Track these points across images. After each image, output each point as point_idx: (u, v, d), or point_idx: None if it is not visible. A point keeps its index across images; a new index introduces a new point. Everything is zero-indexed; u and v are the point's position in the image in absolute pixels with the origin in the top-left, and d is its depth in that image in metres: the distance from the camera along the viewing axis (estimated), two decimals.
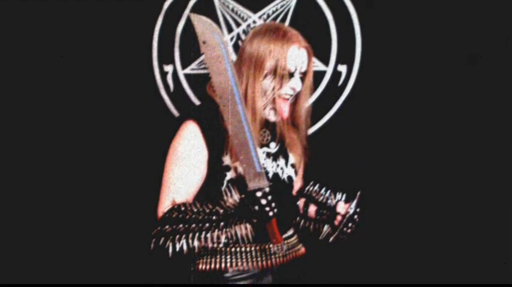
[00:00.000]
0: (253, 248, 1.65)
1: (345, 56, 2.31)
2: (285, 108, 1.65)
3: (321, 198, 1.87)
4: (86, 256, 2.36)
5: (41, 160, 2.35)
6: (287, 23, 2.29)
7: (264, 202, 1.45)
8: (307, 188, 1.93)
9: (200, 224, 1.50)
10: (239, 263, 1.63)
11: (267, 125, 1.70)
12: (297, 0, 2.30)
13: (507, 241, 2.29)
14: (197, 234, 1.49)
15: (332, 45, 2.31)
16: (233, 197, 1.52)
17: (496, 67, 2.27)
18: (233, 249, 1.64)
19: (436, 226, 2.32)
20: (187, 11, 2.31)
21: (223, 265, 1.63)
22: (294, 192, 1.93)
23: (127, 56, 2.32)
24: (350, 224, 1.73)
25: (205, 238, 1.49)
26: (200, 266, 1.64)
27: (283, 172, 1.73)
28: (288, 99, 1.65)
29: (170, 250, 1.49)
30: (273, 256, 1.67)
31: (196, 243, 1.49)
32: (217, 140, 1.59)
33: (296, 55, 1.60)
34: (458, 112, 2.30)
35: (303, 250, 1.82)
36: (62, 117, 2.35)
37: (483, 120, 2.29)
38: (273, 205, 1.46)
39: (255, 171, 1.47)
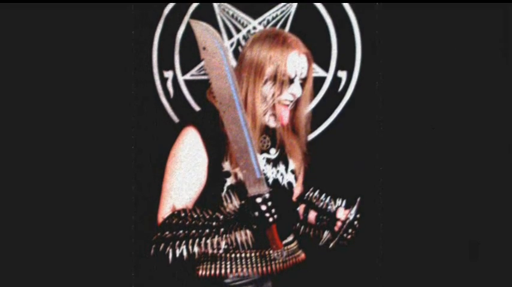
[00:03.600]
0: (253, 254, 1.64)
1: (345, 62, 2.32)
2: (285, 114, 1.65)
3: (321, 204, 1.87)
4: (86, 262, 2.35)
5: (41, 165, 2.34)
6: (287, 29, 2.30)
7: (264, 208, 1.45)
8: (307, 194, 1.93)
9: (200, 230, 1.50)
10: (239, 269, 1.63)
11: (267, 131, 1.70)
12: (297, 6, 2.30)
13: (507, 245, 2.29)
14: (197, 240, 1.49)
15: (332, 51, 2.31)
16: (233, 203, 1.52)
17: (497, 77, 2.28)
18: (233, 255, 1.63)
19: (436, 231, 2.31)
20: (187, 17, 2.31)
21: (223, 271, 1.62)
22: (294, 198, 1.93)
23: (127, 62, 2.32)
24: (350, 230, 1.73)
25: (205, 244, 1.49)
26: (200, 272, 1.64)
27: (283, 178, 1.73)
28: (288, 105, 1.65)
29: (170, 256, 1.49)
30: (272, 262, 1.66)
31: (196, 249, 1.49)
32: (217, 146, 1.59)
33: (296, 61, 1.60)
34: (460, 115, 2.30)
35: (303, 256, 1.82)
36: (60, 123, 2.34)
37: (486, 126, 2.29)
38: (273, 211, 1.46)
39: (255, 177, 1.47)
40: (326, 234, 1.82)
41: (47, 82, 2.34)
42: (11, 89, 2.34)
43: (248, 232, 1.49)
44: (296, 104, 1.70)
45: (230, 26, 2.33)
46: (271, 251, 1.59)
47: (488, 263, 2.29)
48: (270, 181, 1.69)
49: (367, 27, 2.29)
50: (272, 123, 1.66)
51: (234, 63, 2.13)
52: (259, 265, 1.64)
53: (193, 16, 2.30)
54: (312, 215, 1.88)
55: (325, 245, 1.80)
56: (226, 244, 1.52)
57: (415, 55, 2.29)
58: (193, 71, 2.34)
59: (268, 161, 1.71)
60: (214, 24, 2.29)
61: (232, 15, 2.32)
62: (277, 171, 1.72)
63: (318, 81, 2.30)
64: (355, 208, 1.73)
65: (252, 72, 1.59)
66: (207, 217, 1.51)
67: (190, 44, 2.21)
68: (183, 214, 1.52)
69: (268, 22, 2.32)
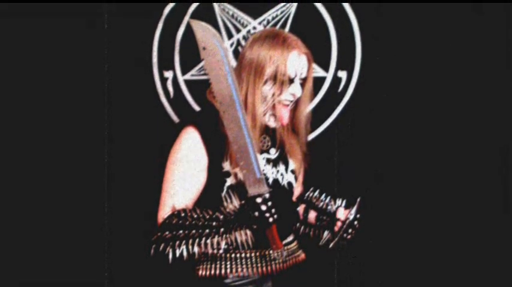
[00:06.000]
0: (253, 254, 1.64)
1: (345, 62, 2.31)
2: (285, 115, 1.65)
3: (321, 204, 1.87)
4: (87, 261, 2.35)
5: (41, 166, 2.34)
6: (287, 29, 2.30)
7: (264, 208, 1.45)
8: (307, 194, 1.93)
9: (200, 230, 1.50)
10: (239, 269, 1.63)
11: (267, 131, 1.70)
12: (297, 6, 2.30)
13: (507, 248, 2.29)
14: (197, 240, 1.49)
15: (332, 51, 2.31)
16: (233, 203, 1.52)
17: (495, 83, 2.28)
18: (233, 255, 1.63)
19: (436, 231, 2.31)
20: (187, 17, 2.31)
21: (223, 271, 1.62)
22: (294, 198, 1.93)
23: (127, 62, 2.32)
24: (350, 230, 1.73)
25: (205, 244, 1.49)
26: (200, 272, 1.64)
27: (283, 178, 1.73)
28: (288, 105, 1.65)
29: (170, 256, 1.49)
30: (273, 262, 1.66)
31: (196, 249, 1.49)
32: (217, 146, 1.59)
33: (296, 61, 1.60)
34: (459, 116, 2.30)
35: (303, 256, 1.82)
36: (61, 123, 2.34)
37: (484, 128, 2.29)
38: (273, 211, 1.46)
39: (255, 177, 1.48)
40: (326, 234, 1.82)
41: (44, 81, 2.34)
42: (12, 90, 2.34)
43: (248, 232, 1.49)
44: (296, 104, 1.70)
45: (230, 26, 2.33)
46: (271, 251, 1.59)
47: (487, 262, 2.30)
48: (270, 181, 1.69)
49: (367, 27, 2.29)
50: (272, 123, 1.66)
51: (234, 63, 2.13)
52: (259, 265, 1.64)
53: (193, 16, 2.30)
54: (312, 215, 1.88)
55: (325, 245, 1.80)
56: (226, 244, 1.52)
57: (416, 55, 2.29)
58: (193, 71, 2.34)
59: (268, 161, 1.71)
60: (214, 24, 2.29)
61: (232, 15, 2.32)
62: (277, 171, 1.72)
63: (318, 81, 2.30)
64: (355, 208, 1.73)
65: (252, 72, 1.59)
66: (207, 217, 1.51)
67: (190, 44, 2.19)
68: (183, 214, 1.52)
69: (268, 22, 2.32)
